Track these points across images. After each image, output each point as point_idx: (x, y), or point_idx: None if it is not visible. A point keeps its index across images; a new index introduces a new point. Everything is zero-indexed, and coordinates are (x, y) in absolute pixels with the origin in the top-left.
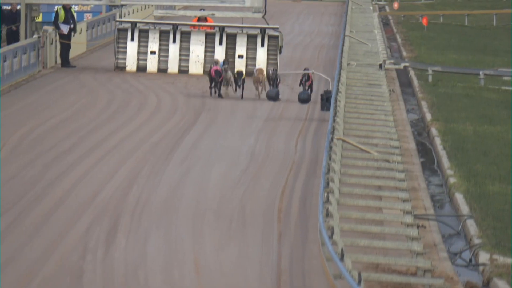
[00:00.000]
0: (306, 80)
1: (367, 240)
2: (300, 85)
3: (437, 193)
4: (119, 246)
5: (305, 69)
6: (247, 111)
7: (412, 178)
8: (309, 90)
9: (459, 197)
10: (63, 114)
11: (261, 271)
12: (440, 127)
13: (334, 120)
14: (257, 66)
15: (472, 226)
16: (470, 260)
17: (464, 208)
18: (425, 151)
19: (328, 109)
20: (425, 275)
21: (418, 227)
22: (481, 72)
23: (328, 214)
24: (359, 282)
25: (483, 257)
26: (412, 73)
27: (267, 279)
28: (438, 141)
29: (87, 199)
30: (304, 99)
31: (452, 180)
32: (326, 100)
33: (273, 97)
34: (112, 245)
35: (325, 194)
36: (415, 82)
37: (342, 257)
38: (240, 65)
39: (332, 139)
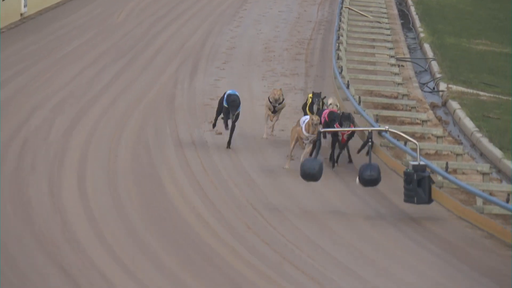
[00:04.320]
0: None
1: (364, 75)
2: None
3: (411, 43)
4: (198, 79)
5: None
6: None
7: (395, 33)
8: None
9: (426, 46)
10: None
11: (295, 97)
12: None
13: None
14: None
15: (435, 66)
16: (433, 88)
17: (430, 53)
18: (404, 16)
19: (425, 200)
20: (403, 98)
21: (399, 66)
22: None
23: (339, 58)
24: (359, 102)
25: (442, 86)
26: None
27: (299, 102)
28: (412, 9)
29: (178, 48)
30: (370, 179)
31: (422, 35)
32: (418, 183)
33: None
34: (194, 79)
35: (337, 45)
36: None
37: (348, 86)
38: None
39: (341, 7)
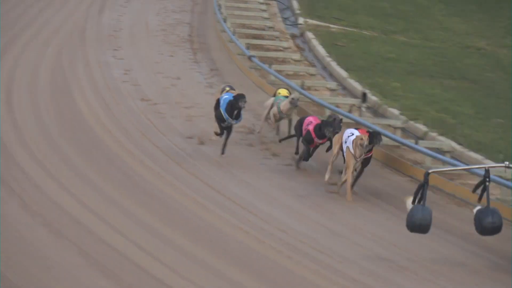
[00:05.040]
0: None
1: (239, 11)
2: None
3: None
4: (105, 15)
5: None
6: None
7: None
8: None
9: None
10: None
11: (182, 29)
12: None
13: None
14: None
15: (295, 4)
16: (294, 22)
17: None
18: None
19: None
20: (269, 30)
21: (266, 4)
22: None
23: None
24: (234, 33)
25: (300, 20)
26: None
27: (185, 33)
28: None
29: None
30: (493, 227)
31: None
32: None
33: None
34: (101, 15)
35: None
36: None
37: (225, 20)
38: None
39: None
